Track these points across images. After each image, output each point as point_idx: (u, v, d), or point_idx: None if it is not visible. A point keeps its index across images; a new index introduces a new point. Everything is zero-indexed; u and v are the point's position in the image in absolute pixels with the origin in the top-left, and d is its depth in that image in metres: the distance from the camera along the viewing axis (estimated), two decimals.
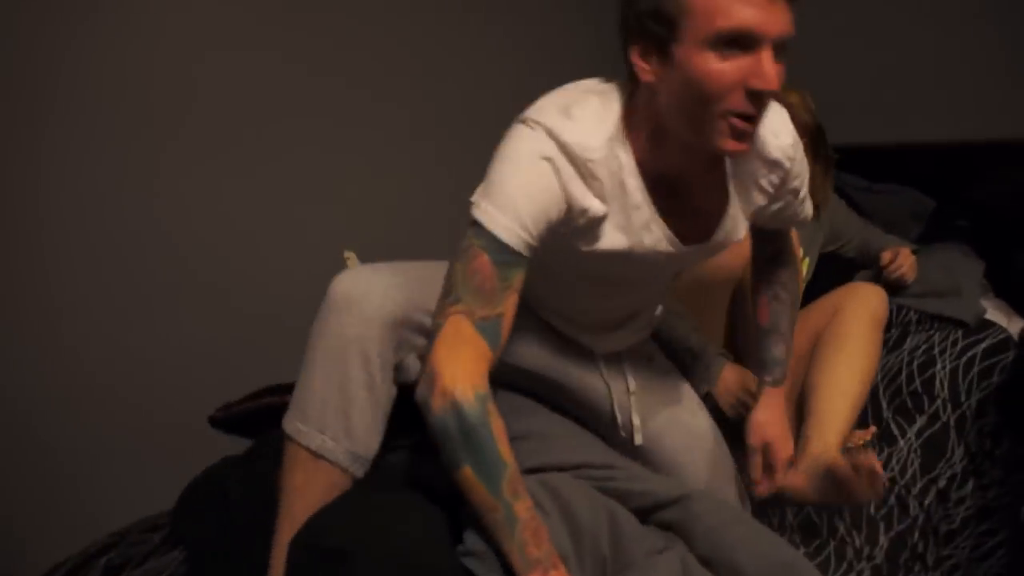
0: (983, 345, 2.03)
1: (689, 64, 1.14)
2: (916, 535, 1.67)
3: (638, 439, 1.58)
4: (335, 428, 1.36)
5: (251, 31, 2.27)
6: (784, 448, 1.57)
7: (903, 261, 2.20)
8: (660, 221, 1.30)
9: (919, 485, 1.77)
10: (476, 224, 1.20)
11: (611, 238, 1.29)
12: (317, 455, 1.36)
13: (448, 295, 1.20)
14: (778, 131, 1.32)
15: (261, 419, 1.78)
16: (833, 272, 2.23)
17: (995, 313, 2.17)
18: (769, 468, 1.57)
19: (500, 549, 1.17)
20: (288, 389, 1.51)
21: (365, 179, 2.49)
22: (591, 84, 1.30)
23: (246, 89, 2.27)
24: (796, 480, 1.61)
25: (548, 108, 1.24)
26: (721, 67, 1.12)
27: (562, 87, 1.30)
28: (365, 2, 2.49)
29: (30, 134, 1.96)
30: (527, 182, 1.19)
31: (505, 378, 1.50)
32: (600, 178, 1.23)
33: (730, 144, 1.18)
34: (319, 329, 1.38)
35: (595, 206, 1.24)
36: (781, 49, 1.14)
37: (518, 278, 1.21)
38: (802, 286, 2.10)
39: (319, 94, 2.41)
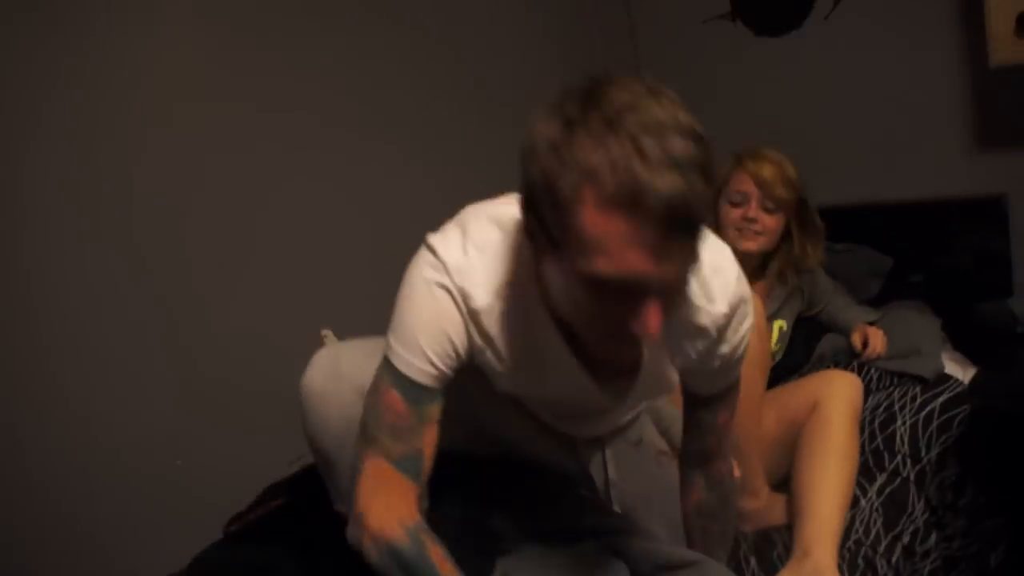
0: (941, 399, 2.09)
1: (567, 282, 1.03)
2: None
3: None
4: None
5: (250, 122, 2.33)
6: None
7: (875, 344, 2.26)
8: (574, 364, 1.23)
9: (884, 543, 1.81)
10: (385, 359, 1.19)
11: (521, 379, 1.26)
12: None
13: (365, 435, 1.19)
14: (714, 295, 1.20)
15: (275, 523, 1.83)
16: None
17: (953, 366, 2.24)
18: None
19: None
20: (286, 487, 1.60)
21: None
22: (502, 211, 1.19)
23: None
24: None
25: (451, 239, 1.18)
26: (594, 310, 1.03)
27: (479, 205, 1.24)
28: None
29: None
30: (427, 312, 1.16)
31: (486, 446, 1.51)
32: (488, 329, 1.18)
33: (611, 347, 1.18)
34: (311, 431, 1.47)
35: (489, 353, 1.20)
36: (671, 294, 1.02)
37: (434, 410, 1.19)
38: (771, 352, 2.18)
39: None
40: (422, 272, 1.16)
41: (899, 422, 2.06)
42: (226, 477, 2.12)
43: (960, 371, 2.22)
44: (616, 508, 1.57)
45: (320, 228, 2.46)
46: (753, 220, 2.13)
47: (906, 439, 2.03)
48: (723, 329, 1.23)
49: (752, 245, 2.15)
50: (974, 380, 2.05)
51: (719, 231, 2.16)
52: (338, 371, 1.45)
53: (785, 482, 1.93)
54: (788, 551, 1.76)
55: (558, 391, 1.29)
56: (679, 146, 0.91)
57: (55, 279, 1.98)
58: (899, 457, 1.99)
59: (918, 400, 2.11)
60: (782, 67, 2.83)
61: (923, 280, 2.51)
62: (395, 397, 1.17)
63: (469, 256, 1.16)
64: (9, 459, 1.90)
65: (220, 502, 1.99)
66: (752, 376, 1.85)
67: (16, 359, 1.92)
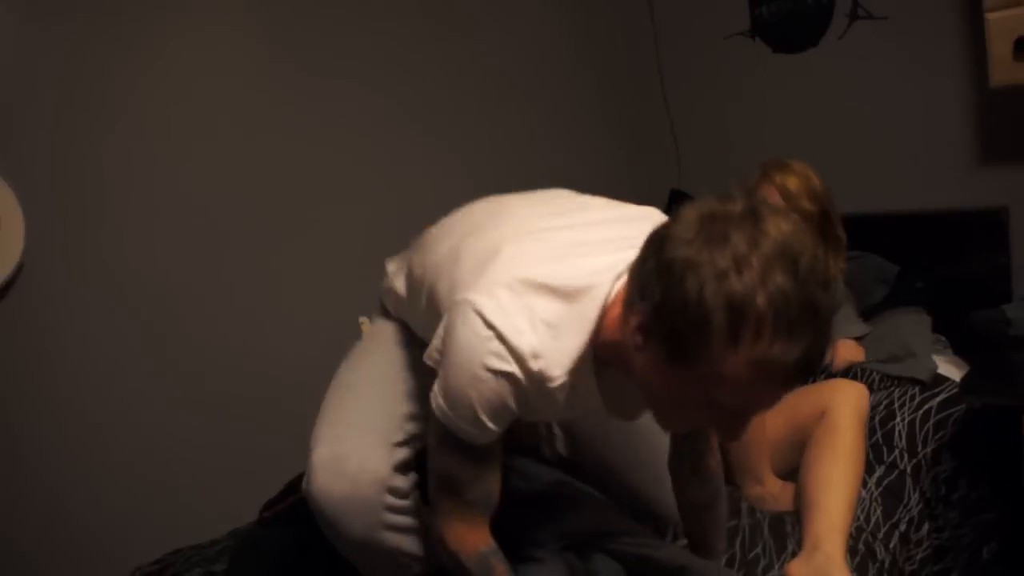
0: (938, 399, 2.20)
1: (672, 387, 1.08)
2: None
3: (561, 449, 1.72)
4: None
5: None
6: None
7: (842, 355, 2.38)
8: (601, 402, 1.33)
9: (883, 531, 1.90)
10: (444, 429, 1.25)
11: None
12: None
13: (438, 485, 1.32)
14: None
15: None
16: None
17: (952, 369, 2.33)
18: None
19: None
20: None
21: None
22: (554, 276, 1.21)
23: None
24: (799, 572, 1.68)
25: (515, 318, 1.17)
26: (698, 413, 1.10)
27: (524, 264, 1.23)
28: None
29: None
30: (489, 396, 1.19)
31: None
32: (557, 395, 1.22)
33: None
34: (337, 534, 1.51)
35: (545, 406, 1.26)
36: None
37: (495, 454, 1.30)
38: None
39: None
40: (483, 359, 1.17)
41: (898, 419, 2.16)
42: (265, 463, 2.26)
43: (959, 374, 2.30)
44: (556, 430, 1.71)
45: (355, 218, 2.53)
46: None
47: (904, 435, 2.12)
48: None
49: None
50: (965, 379, 2.15)
51: None
52: (346, 470, 1.48)
53: (789, 476, 2.03)
54: (799, 537, 1.84)
55: (577, 414, 1.44)
56: (823, 302, 1.00)
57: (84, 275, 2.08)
58: (897, 451, 2.09)
59: (916, 399, 2.21)
60: (797, 82, 2.94)
61: (926, 287, 2.58)
62: (459, 458, 1.28)
63: (541, 337, 1.17)
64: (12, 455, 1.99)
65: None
66: None
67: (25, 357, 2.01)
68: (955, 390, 2.21)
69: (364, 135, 2.54)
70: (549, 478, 1.84)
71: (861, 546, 1.83)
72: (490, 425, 1.23)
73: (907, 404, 2.22)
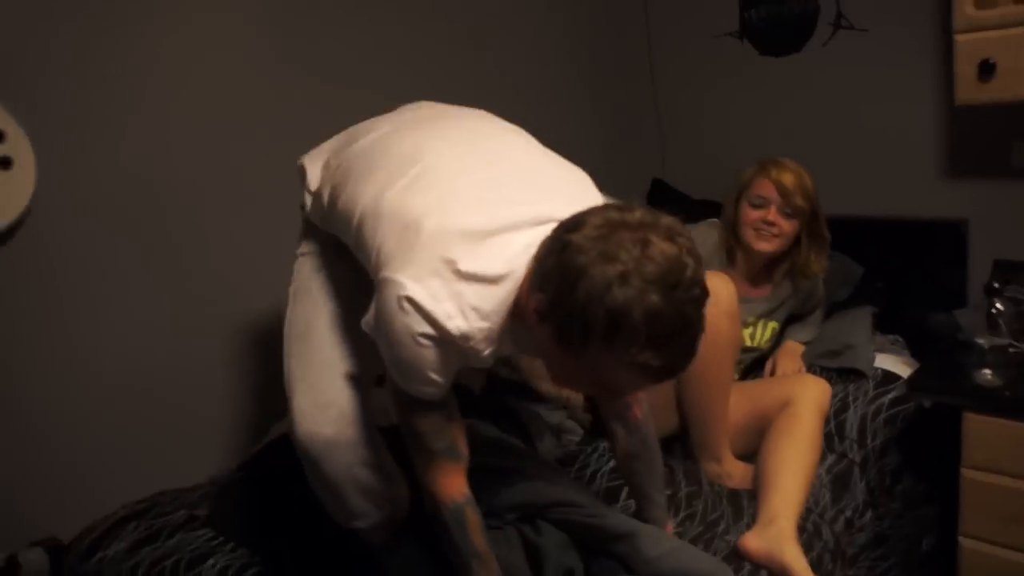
0: (890, 395, 2.33)
1: (563, 362, 1.28)
2: (828, 557, 1.89)
3: None
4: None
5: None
6: None
7: (780, 366, 2.47)
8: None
9: (829, 514, 2.01)
10: (401, 394, 1.44)
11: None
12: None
13: (411, 443, 1.50)
14: None
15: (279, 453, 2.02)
16: None
17: (906, 369, 2.45)
18: None
19: None
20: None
21: None
22: (476, 261, 1.33)
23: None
24: (752, 543, 1.80)
25: (443, 301, 1.30)
26: (583, 383, 1.38)
27: (444, 242, 1.34)
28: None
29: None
30: (432, 359, 1.35)
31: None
32: (479, 348, 1.37)
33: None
34: (325, 472, 1.64)
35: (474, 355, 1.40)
36: None
37: (452, 406, 1.50)
38: (761, 346, 2.42)
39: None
40: (420, 331, 1.31)
41: (851, 411, 2.28)
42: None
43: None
44: None
45: None
46: (772, 223, 2.30)
47: (855, 427, 2.24)
48: None
49: (767, 246, 2.32)
50: (912, 377, 2.28)
51: (737, 230, 2.38)
52: (328, 416, 1.62)
53: (746, 457, 2.14)
54: (754, 512, 1.95)
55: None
56: (694, 320, 1.20)
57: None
58: (847, 442, 2.21)
59: (870, 394, 2.34)
60: (781, 84, 3.06)
61: (884, 288, 2.70)
62: (420, 414, 1.46)
63: (470, 321, 1.32)
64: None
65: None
66: (723, 356, 2.06)
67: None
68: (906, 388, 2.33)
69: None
70: (503, 449, 1.96)
71: (809, 526, 1.93)
72: (439, 379, 1.39)
73: (860, 398, 2.34)
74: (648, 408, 1.74)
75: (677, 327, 1.17)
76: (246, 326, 2.43)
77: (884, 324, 2.67)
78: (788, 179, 2.29)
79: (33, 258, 2.01)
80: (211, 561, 1.86)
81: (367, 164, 1.57)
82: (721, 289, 2.03)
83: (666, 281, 1.15)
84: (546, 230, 1.29)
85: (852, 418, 2.28)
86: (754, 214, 2.33)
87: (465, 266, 1.31)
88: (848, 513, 2.07)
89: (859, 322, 2.58)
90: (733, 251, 2.42)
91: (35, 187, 1.95)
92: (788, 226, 2.32)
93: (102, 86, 2.09)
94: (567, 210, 1.29)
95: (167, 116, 2.21)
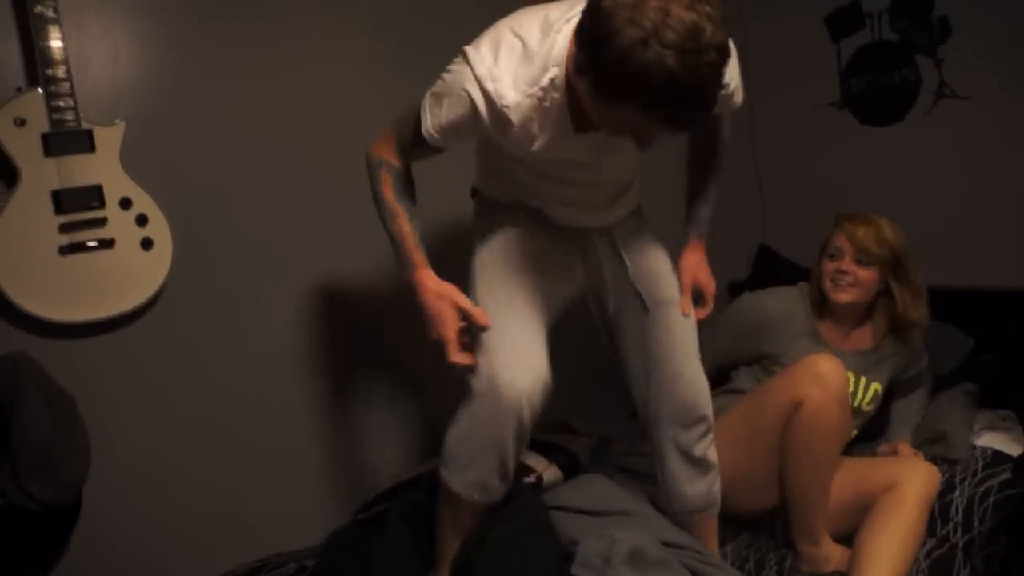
0: (1001, 477, 2.23)
1: (598, 108, 1.46)
2: None
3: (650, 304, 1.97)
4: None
5: None
6: (710, 284, 2.05)
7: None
8: (576, 139, 1.65)
9: None
10: (417, 116, 1.67)
11: (525, 150, 1.68)
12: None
13: (396, 121, 1.75)
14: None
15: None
16: None
17: (1019, 448, 2.36)
18: (701, 299, 2.04)
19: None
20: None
21: None
22: (525, 24, 1.60)
23: None
24: None
25: (485, 47, 1.58)
26: (617, 125, 1.48)
27: (507, 20, 1.64)
28: None
29: None
30: (451, 107, 1.61)
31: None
32: (513, 120, 1.59)
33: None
34: (474, 413, 1.75)
35: (503, 136, 1.63)
36: None
37: (437, 151, 1.72)
38: (866, 411, 2.39)
39: None
40: (457, 79, 1.59)
41: (957, 492, 2.21)
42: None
43: None
44: (634, 284, 1.98)
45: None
46: (844, 272, 2.32)
47: (961, 509, 2.17)
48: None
49: (844, 296, 2.33)
50: (1019, 458, 2.20)
51: (821, 284, 2.39)
52: (500, 392, 1.73)
53: (845, 539, 2.12)
54: None
55: (561, 154, 1.71)
56: (708, 87, 1.35)
57: None
58: (951, 525, 2.15)
59: (979, 475, 2.26)
60: (882, 153, 3.03)
61: (990, 361, 2.62)
62: (416, 132, 1.68)
63: (502, 66, 1.56)
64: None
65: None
66: (829, 440, 2.09)
67: None
68: None
69: None
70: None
71: None
72: (449, 130, 1.65)
73: (969, 479, 2.26)
74: (729, 125, 2.00)
75: (692, 87, 1.31)
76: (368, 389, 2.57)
77: (995, 399, 2.60)
78: (860, 229, 2.31)
79: (168, 327, 2.22)
80: None
81: None
82: (832, 376, 2.06)
83: (684, 46, 1.28)
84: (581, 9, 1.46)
85: (958, 499, 2.21)
86: (830, 265, 2.36)
87: (515, 28, 1.59)
88: None
89: (956, 404, 2.52)
90: (820, 306, 2.42)
91: (171, 264, 2.15)
92: (864, 275, 2.32)
93: (234, 168, 2.30)
94: None
95: (293, 195, 2.40)
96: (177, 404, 2.26)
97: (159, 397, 2.23)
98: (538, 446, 2.28)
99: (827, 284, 2.36)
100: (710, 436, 2.02)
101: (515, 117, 1.59)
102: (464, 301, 1.75)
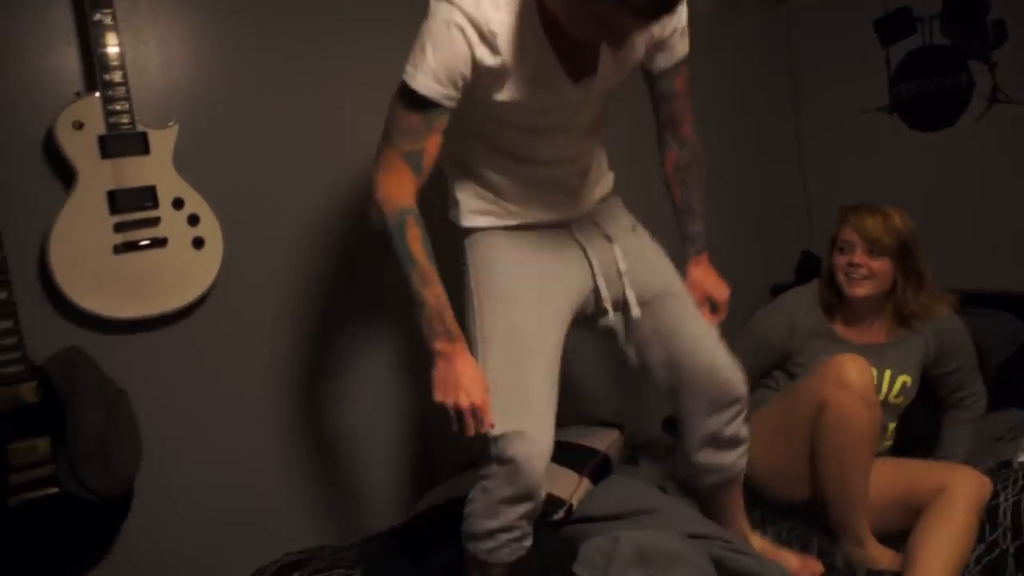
0: None
1: (572, 15, 1.46)
2: None
3: (635, 312, 1.91)
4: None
5: None
6: (720, 292, 2.00)
7: None
8: (559, 68, 1.60)
9: None
10: (404, 84, 1.54)
11: (515, 90, 1.60)
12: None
13: (385, 137, 1.59)
14: None
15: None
16: None
17: None
18: (714, 309, 2.01)
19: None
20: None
21: None
22: None
23: None
24: None
25: None
26: (593, 29, 1.47)
27: None
28: None
29: None
30: (441, 46, 1.51)
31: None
32: (500, 47, 1.53)
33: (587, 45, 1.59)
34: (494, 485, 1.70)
35: (497, 64, 1.55)
36: None
37: (439, 122, 1.57)
38: (894, 404, 2.35)
39: None
40: (439, 14, 1.51)
41: (1002, 497, 2.16)
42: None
43: None
44: (629, 292, 1.91)
45: None
46: (857, 266, 2.27)
47: (1009, 514, 2.12)
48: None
49: (860, 290, 2.28)
50: None
51: (834, 280, 2.36)
52: (530, 451, 1.67)
53: (890, 538, 2.11)
54: None
55: (544, 93, 1.63)
56: None
57: None
58: (1000, 530, 2.10)
59: (1021, 482, 2.20)
60: (932, 158, 3.01)
61: None
62: (407, 109, 1.55)
63: (495, 9, 1.51)
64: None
65: None
66: (859, 440, 2.07)
67: None
68: None
69: None
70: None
71: None
72: (443, 78, 1.52)
73: (1018, 482, 2.21)
74: (696, 134, 1.93)
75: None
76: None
77: None
78: (868, 220, 2.27)
79: (217, 324, 2.27)
80: None
81: None
82: (856, 376, 2.05)
83: None
84: None
85: (1005, 504, 2.16)
86: (841, 259, 2.32)
87: None
88: None
89: (1001, 426, 2.50)
90: (834, 302, 2.39)
91: (221, 263, 2.21)
92: (878, 265, 2.28)
93: (282, 170, 2.36)
94: None
95: (342, 197, 2.44)
96: (224, 399, 2.32)
97: (205, 392, 2.29)
98: (565, 452, 2.22)
99: (841, 279, 2.32)
100: (743, 415, 1.99)
101: (503, 38, 1.54)
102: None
